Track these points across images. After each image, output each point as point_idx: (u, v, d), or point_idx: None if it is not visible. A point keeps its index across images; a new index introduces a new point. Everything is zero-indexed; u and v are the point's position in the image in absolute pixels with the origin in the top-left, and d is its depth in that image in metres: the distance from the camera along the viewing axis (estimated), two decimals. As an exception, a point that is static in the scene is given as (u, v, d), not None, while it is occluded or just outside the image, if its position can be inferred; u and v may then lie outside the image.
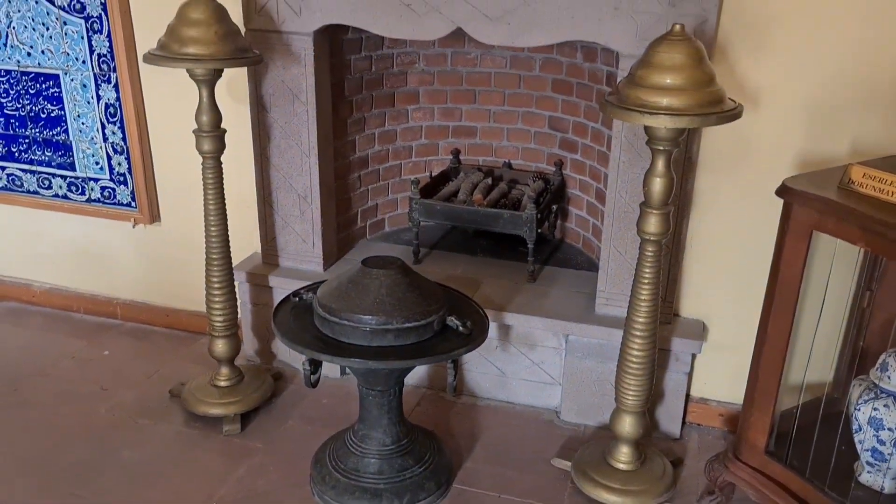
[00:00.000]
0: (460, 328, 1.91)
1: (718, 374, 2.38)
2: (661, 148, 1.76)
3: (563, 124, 2.75)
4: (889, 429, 1.76)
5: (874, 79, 1.97)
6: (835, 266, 1.87)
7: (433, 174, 2.83)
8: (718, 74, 1.98)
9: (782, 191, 1.72)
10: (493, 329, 2.30)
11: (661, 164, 1.78)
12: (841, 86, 2.01)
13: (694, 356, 2.33)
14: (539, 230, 2.52)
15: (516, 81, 2.78)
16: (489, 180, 2.79)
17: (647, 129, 1.73)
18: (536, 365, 2.44)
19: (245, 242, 2.66)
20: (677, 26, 1.68)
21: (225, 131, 2.20)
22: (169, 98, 2.57)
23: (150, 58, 2.05)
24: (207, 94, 2.13)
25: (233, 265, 2.36)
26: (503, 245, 2.75)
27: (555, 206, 2.73)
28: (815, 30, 1.98)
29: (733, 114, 1.68)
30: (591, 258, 2.70)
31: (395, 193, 2.91)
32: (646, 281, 1.90)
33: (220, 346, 2.38)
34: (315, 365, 1.95)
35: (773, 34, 2.02)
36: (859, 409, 1.81)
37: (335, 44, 2.47)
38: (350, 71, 2.59)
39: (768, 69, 2.05)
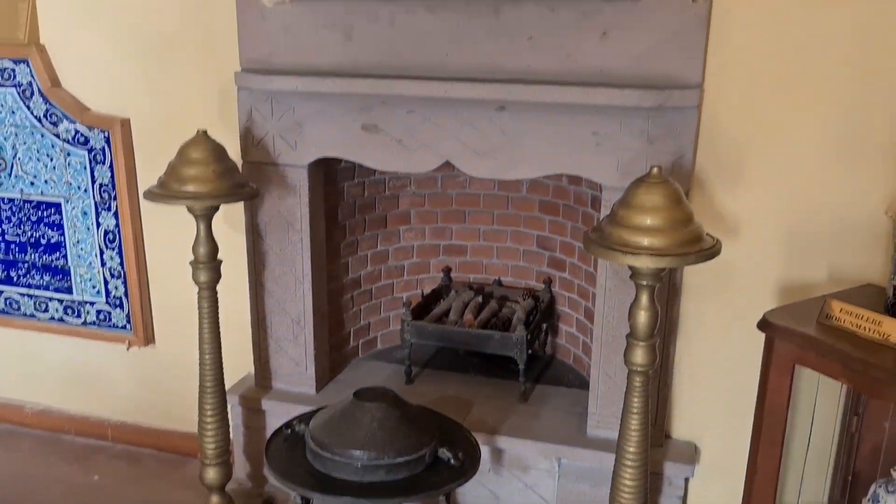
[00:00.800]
0: (452, 461, 1.92)
1: (713, 495, 2.37)
2: (645, 283, 1.81)
3: (551, 243, 2.82)
4: (885, 563, 1.75)
5: (847, 209, 2.05)
6: (821, 390, 1.91)
7: (425, 293, 2.88)
8: (697, 206, 2.07)
9: (763, 325, 1.77)
10: (485, 452, 2.30)
11: (645, 298, 1.83)
12: (816, 215, 2.09)
13: (687, 480, 2.32)
14: (529, 351, 2.55)
15: (504, 202, 2.87)
16: (480, 298, 2.84)
17: (630, 265, 1.79)
18: (529, 488, 2.43)
19: (239, 363, 2.67)
20: (655, 169, 1.76)
21: (221, 262, 2.25)
22: (166, 225, 2.64)
23: (151, 195, 2.12)
24: (205, 227, 2.20)
25: (226, 388, 2.38)
26: (495, 362, 2.77)
27: (545, 325, 2.77)
28: (788, 164, 2.08)
29: (712, 252, 1.74)
30: (582, 375, 2.72)
31: (387, 311, 2.95)
32: (635, 411, 1.92)
33: (211, 474, 2.36)
34: (307, 499, 1.95)
35: (747, 168, 2.11)
36: (854, 542, 1.80)
37: (329, 172, 2.57)
38: (344, 197, 2.68)
39: (745, 200, 2.13)
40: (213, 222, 2.22)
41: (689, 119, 2.06)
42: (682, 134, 2.07)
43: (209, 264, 2.22)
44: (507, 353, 2.54)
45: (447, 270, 2.95)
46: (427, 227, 2.93)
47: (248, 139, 2.41)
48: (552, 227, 2.80)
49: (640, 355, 1.87)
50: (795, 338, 1.71)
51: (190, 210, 2.16)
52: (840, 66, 1.98)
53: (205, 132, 2.16)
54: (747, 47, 2.03)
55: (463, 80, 2.14)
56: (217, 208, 2.20)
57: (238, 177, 2.20)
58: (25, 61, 2.57)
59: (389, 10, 2.20)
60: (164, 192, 2.10)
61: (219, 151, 2.15)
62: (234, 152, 2.38)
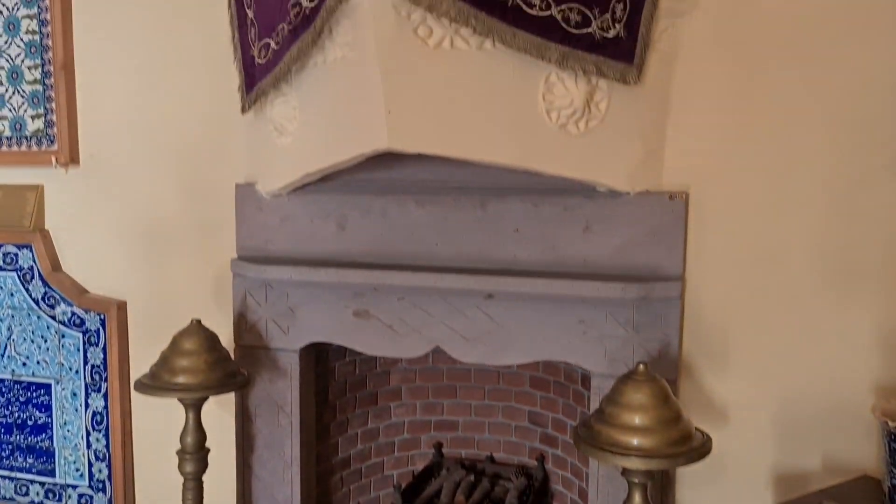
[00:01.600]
0: None
1: None
2: (637, 481, 1.79)
3: (543, 419, 2.80)
4: None
5: (836, 394, 2.06)
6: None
7: (416, 470, 2.82)
8: (686, 393, 2.08)
9: (759, 529, 1.74)
10: None
11: (637, 497, 1.80)
12: (805, 400, 2.08)
13: None
14: (523, 538, 2.47)
15: (495, 377, 2.87)
16: (472, 477, 2.78)
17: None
18: None
19: (223, 550, 2.58)
20: (641, 367, 1.79)
21: (208, 451, 2.23)
22: (155, 407, 2.59)
23: (141, 387, 2.13)
24: (194, 417, 2.19)
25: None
26: (488, 546, 2.68)
27: (539, 507, 2.70)
28: (773, 350, 2.10)
29: (701, 452, 1.73)
30: (580, 560, 2.62)
31: (377, 490, 2.87)
32: None
33: None
34: None
35: (733, 354, 2.14)
36: None
37: (321, 352, 2.58)
38: (335, 376, 2.68)
39: (733, 386, 2.14)
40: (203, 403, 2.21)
41: (673, 308, 2.11)
42: (668, 322, 2.11)
43: (196, 455, 2.19)
44: (500, 541, 2.47)
45: (438, 446, 2.91)
46: (418, 402, 2.91)
47: (242, 324, 2.45)
48: (543, 404, 2.79)
49: (636, 558, 1.82)
50: (793, 546, 1.67)
51: (180, 400, 2.16)
52: (814, 251, 2.04)
53: (198, 322, 2.19)
54: (724, 239, 2.11)
55: (452, 271, 2.21)
56: (207, 397, 2.20)
57: (230, 365, 2.22)
58: (29, 246, 2.65)
59: (381, 203, 2.31)
60: (155, 383, 2.11)
61: (211, 341, 2.18)
62: (227, 335, 2.41)
